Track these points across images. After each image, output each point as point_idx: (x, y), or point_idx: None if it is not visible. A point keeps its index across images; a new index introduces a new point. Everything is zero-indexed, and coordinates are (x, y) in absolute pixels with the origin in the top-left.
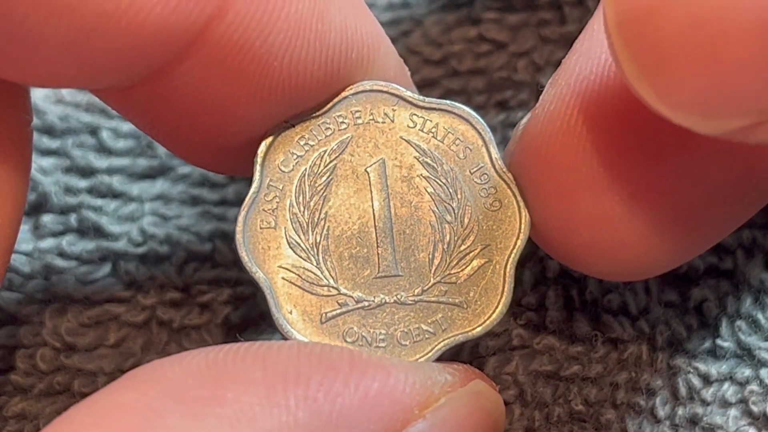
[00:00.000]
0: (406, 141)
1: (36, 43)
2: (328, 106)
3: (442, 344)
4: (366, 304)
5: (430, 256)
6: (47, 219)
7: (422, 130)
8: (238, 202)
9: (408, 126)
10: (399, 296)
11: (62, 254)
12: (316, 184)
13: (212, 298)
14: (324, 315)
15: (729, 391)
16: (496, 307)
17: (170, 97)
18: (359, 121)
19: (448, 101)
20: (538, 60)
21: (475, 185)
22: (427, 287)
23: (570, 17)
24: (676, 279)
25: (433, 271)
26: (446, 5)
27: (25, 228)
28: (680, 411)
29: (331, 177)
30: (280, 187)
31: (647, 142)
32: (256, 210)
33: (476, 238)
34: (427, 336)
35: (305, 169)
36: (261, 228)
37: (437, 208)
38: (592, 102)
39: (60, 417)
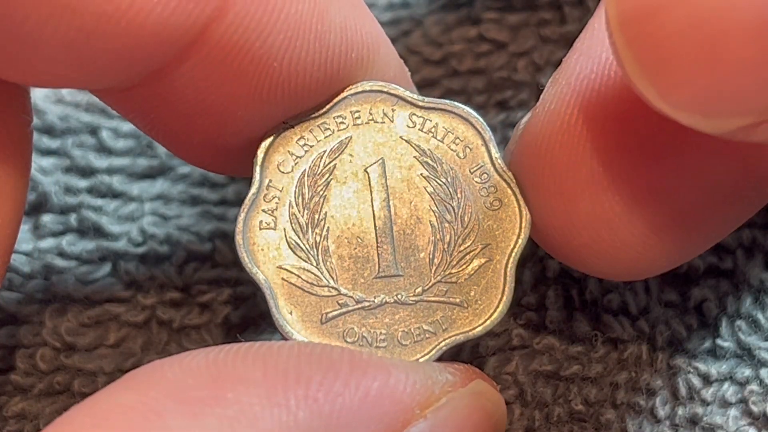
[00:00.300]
0: (405, 141)
1: (36, 43)
2: (328, 106)
3: (442, 344)
4: (366, 304)
5: (431, 256)
6: (47, 219)
7: (422, 130)
8: (238, 202)
9: (407, 126)
10: (399, 296)
11: (62, 254)
12: (316, 185)
13: (212, 298)
14: (324, 315)
15: (729, 391)
16: (497, 307)
17: (170, 98)
18: (358, 121)
19: (447, 101)
20: (538, 60)
21: (475, 184)
22: (427, 287)
23: (570, 17)
24: (676, 279)
25: (433, 271)
26: (446, 5)
27: (25, 228)
28: (680, 411)
29: (330, 177)
30: (280, 188)
31: (647, 142)
32: (255, 211)
33: (477, 237)
34: (427, 336)
35: (305, 170)
36: (261, 229)
37: (437, 208)
38: (592, 101)
39: (60, 417)
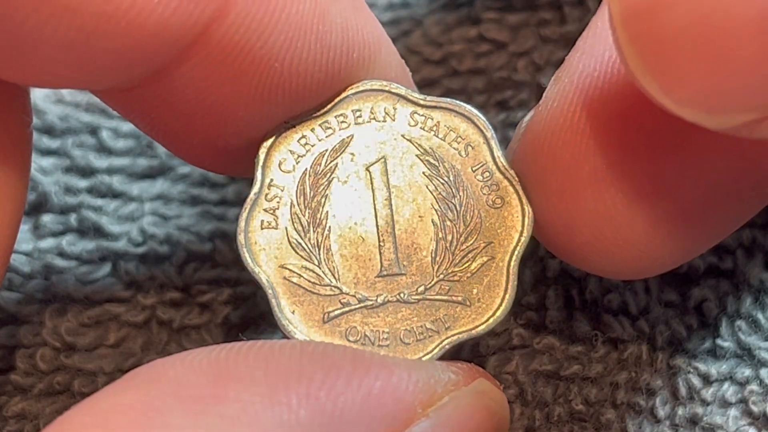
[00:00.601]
0: (407, 139)
1: (36, 44)
2: (329, 105)
3: (445, 342)
4: (369, 303)
5: (433, 254)
6: (47, 219)
7: (423, 129)
8: (238, 202)
9: (409, 124)
10: (402, 295)
11: (62, 254)
12: (318, 184)
13: (212, 298)
14: (326, 314)
15: (729, 391)
16: (500, 305)
17: (171, 98)
18: (360, 119)
19: (449, 99)
20: (538, 60)
21: (477, 183)
22: (429, 285)
23: (570, 17)
24: (676, 279)
25: (435, 269)
26: (446, 5)
27: (25, 228)
28: (680, 411)
29: (332, 176)
30: (282, 188)
31: (650, 140)
32: (257, 210)
33: (479, 235)
34: (430, 334)
35: (306, 169)
36: (262, 228)
37: (439, 206)
38: (595, 99)
39: (61, 417)
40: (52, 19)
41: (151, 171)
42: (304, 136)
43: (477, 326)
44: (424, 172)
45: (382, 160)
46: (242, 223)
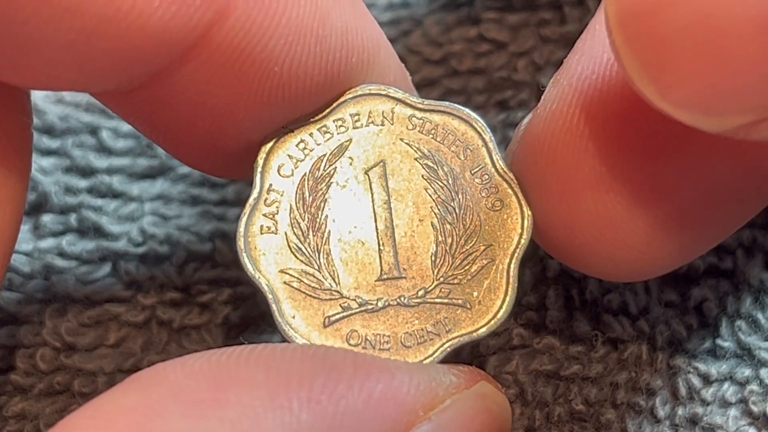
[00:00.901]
0: (405, 143)
1: (36, 46)
2: (327, 110)
3: (446, 345)
4: (369, 306)
5: (433, 257)
6: (47, 219)
7: (422, 132)
8: (238, 202)
9: (407, 128)
10: (402, 298)
11: (62, 254)
12: (317, 189)
13: (212, 298)
14: (327, 319)
15: (729, 391)
16: (501, 307)
17: (170, 101)
18: (358, 123)
19: (447, 102)
20: (538, 60)
21: (476, 185)
22: (429, 288)
23: (570, 17)
24: (676, 279)
25: (435, 273)
26: (446, 5)
27: (25, 228)
28: (680, 411)
29: (331, 181)
30: (281, 192)
31: (649, 142)
32: (256, 215)
33: (478, 238)
34: (431, 337)
35: (305, 174)
36: (262, 233)
37: (438, 210)
38: (594, 101)
39: (63, 420)
40: (52, 21)
41: (151, 171)
42: (302, 141)
43: (478, 329)
44: (423, 176)
45: (381, 163)
46: (242, 228)
